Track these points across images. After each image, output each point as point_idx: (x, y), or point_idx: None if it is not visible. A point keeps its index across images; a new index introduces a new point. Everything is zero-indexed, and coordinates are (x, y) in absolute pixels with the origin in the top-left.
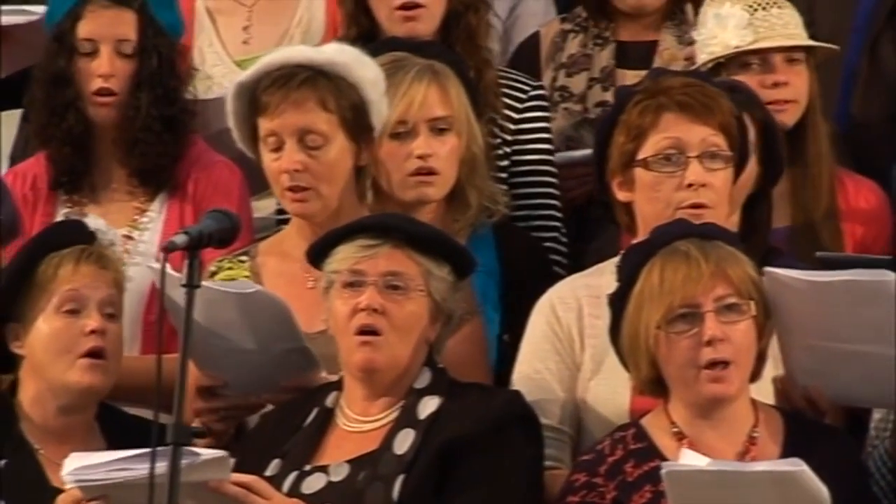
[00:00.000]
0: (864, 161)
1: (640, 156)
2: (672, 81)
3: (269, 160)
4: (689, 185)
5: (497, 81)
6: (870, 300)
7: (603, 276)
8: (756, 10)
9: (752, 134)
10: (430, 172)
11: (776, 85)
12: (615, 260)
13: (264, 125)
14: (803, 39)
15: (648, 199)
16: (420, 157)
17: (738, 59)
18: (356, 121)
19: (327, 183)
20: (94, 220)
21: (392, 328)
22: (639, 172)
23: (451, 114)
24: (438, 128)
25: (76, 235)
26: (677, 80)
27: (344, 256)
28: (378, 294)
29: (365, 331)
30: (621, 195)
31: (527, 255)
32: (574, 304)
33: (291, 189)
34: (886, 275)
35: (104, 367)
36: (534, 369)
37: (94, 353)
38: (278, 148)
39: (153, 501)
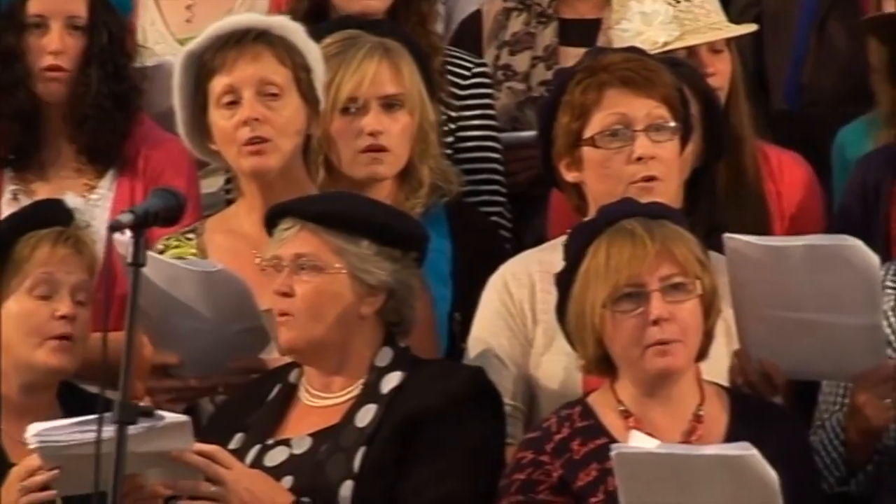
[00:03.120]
0: (811, 137)
1: (587, 134)
2: (612, 58)
3: (223, 119)
4: (639, 159)
5: (443, 64)
6: (828, 266)
7: (556, 252)
8: (679, 1)
9: (695, 109)
10: (381, 150)
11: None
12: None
13: (219, 83)
14: (727, 28)
15: (599, 177)
16: (371, 134)
17: (665, 53)
18: (308, 84)
19: (285, 137)
20: (72, 199)
21: (301, 309)
22: (586, 151)
23: (402, 91)
24: (390, 105)
25: (55, 215)
26: (617, 56)
27: (269, 244)
28: (289, 277)
29: (281, 313)
30: (570, 176)
31: (479, 233)
32: (526, 280)
33: (250, 142)
34: (847, 239)
35: (71, 350)
36: (486, 345)
37: (62, 339)
38: (234, 102)
39: (99, 472)
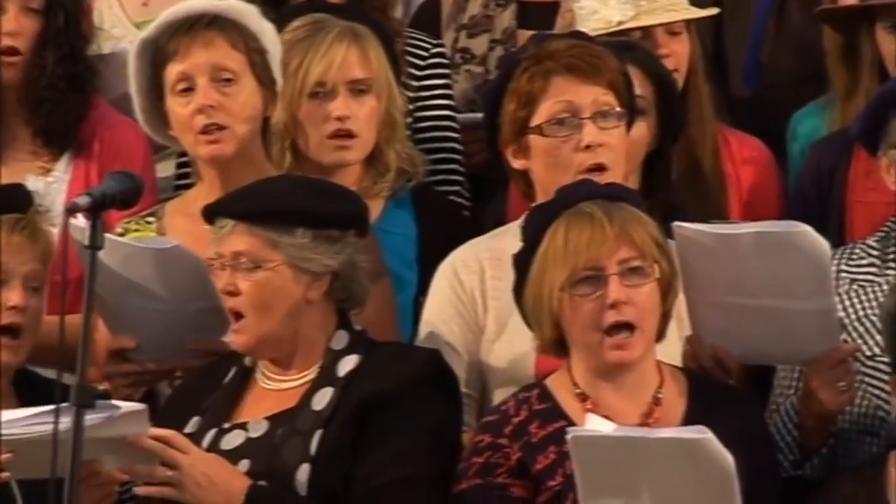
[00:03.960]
0: (769, 120)
1: (534, 122)
2: (557, 45)
3: (179, 107)
4: (587, 147)
5: (403, 48)
6: (778, 252)
7: (505, 239)
8: None
9: (649, 92)
10: (349, 135)
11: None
12: (518, 222)
13: (174, 70)
14: (684, 11)
15: (546, 165)
16: (339, 119)
17: (620, 33)
18: (263, 66)
19: (240, 122)
20: (33, 182)
21: (248, 307)
22: (534, 139)
23: (370, 76)
24: (358, 89)
25: (15, 201)
26: (562, 43)
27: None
28: (232, 276)
29: (230, 312)
30: (517, 163)
31: (444, 217)
32: (476, 267)
33: (206, 130)
34: (797, 226)
35: (17, 347)
36: (437, 332)
37: (10, 329)
38: (189, 89)
39: (56, 460)
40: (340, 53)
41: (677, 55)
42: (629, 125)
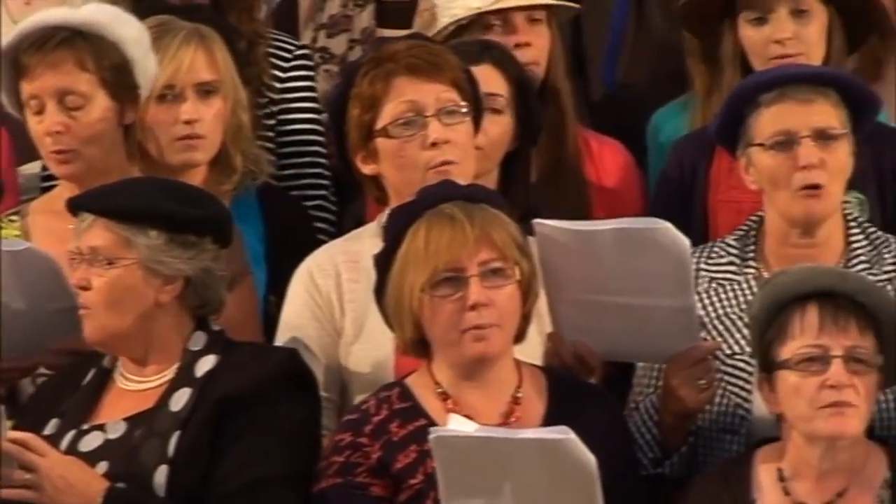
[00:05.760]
0: (627, 122)
1: (379, 125)
2: (397, 46)
3: (33, 123)
4: (433, 145)
5: (267, 51)
6: (638, 249)
7: (361, 241)
8: None
9: (507, 92)
10: (196, 137)
11: (518, 46)
12: (372, 225)
13: (25, 89)
14: None
15: (395, 167)
16: (187, 123)
17: (481, 21)
18: (118, 80)
19: (89, 144)
20: None
21: (97, 302)
22: (380, 142)
23: (217, 78)
24: (205, 91)
25: None
26: (402, 44)
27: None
28: (87, 271)
29: (82, 306)
30: (366, 168)
31: (290, 217)
32: (332, 271)
33: (55, 151)
34: (657, 222)
35: None
36: (294, 337)
37: None
38: (40, 111)
39: None
40: (189, 56)
41: (537, 47)
42: (476, 122)
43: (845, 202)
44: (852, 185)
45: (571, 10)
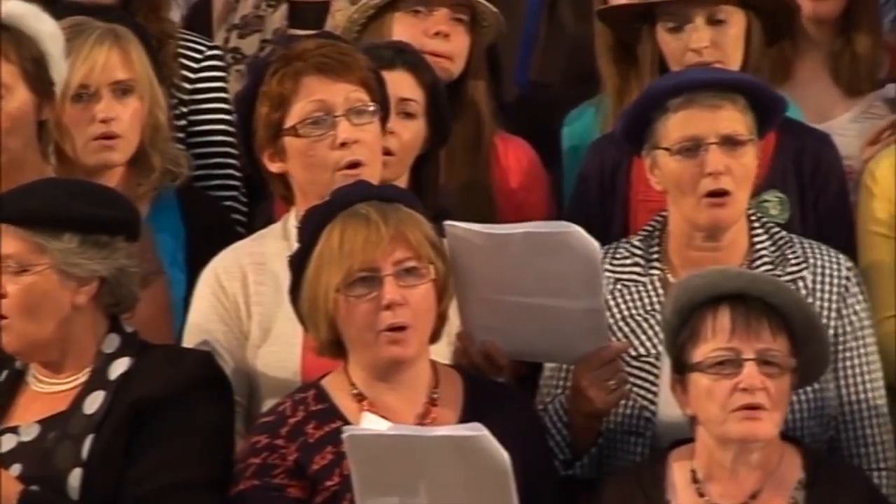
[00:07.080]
0: (538, 123)
1: (288, 124)
2: (306, 45)
3: None
4: (342, 145)
5: (176, 51)
6: (548, 252)
7: (266, 242)
8: None
9: (420, 96)
10: (113, 136)
11: (437, 35)
12: (277, 226)
13: None
14: None
15: (303, 166)
16: (103, 122)
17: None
18: (37, 74)
19: (9, 135)
20: None
21: (13, 310)
22: (289, 141)
23: (133, 77)
24: (121, 90)
25: None
26: (311, 42)
27: None
28: (2, 279)
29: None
30: (274, 167)
31: (210, 217)
32: (238, 273)
33: None
34: (567, 226)
35: None
36: (201, 340)
37: None
38: None
39: None
40: (103, 56)
41: (455, 43)
42: (383, 122)
43: (766, 201)
44: (772, 184)
45: (499, 25)
